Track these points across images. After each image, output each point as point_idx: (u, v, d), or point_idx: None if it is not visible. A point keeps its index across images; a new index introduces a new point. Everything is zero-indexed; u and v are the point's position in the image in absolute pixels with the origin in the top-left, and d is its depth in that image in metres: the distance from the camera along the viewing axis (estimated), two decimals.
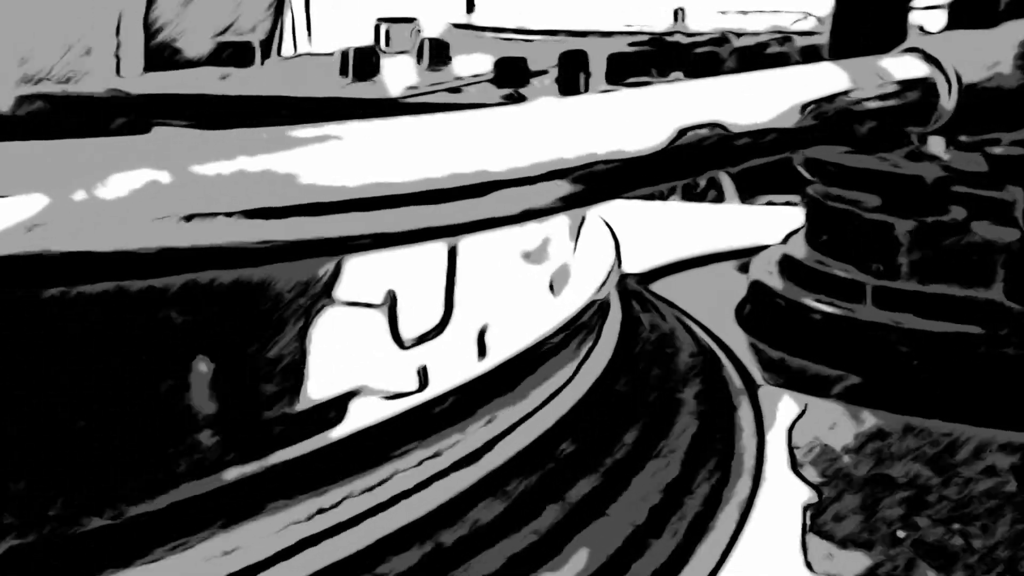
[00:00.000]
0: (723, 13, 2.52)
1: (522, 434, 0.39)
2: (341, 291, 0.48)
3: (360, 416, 0.34)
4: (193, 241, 0.26)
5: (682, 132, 0.38)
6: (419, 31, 2.29)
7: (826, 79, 0.47)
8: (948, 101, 0.51)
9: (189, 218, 0.26)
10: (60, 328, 0.29)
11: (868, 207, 0.61)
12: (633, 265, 0.73)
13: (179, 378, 0.37)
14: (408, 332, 0.42)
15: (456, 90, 1.75)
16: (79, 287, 0.28)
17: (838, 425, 0.51)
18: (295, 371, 0.40)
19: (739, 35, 2.03)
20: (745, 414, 0.52)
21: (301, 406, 0.35)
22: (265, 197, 0.27)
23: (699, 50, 1.84)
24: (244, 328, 0.38)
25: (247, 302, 0.35)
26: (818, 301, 0.61)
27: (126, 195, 0.25)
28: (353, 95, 1.74)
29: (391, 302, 0.45)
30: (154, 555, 0.29)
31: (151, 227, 0.25)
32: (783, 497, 0.44)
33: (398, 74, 1.89)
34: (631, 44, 1.91)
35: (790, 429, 0.51)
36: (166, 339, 0.32)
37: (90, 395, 0.33)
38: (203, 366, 0.38)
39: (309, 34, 2.73)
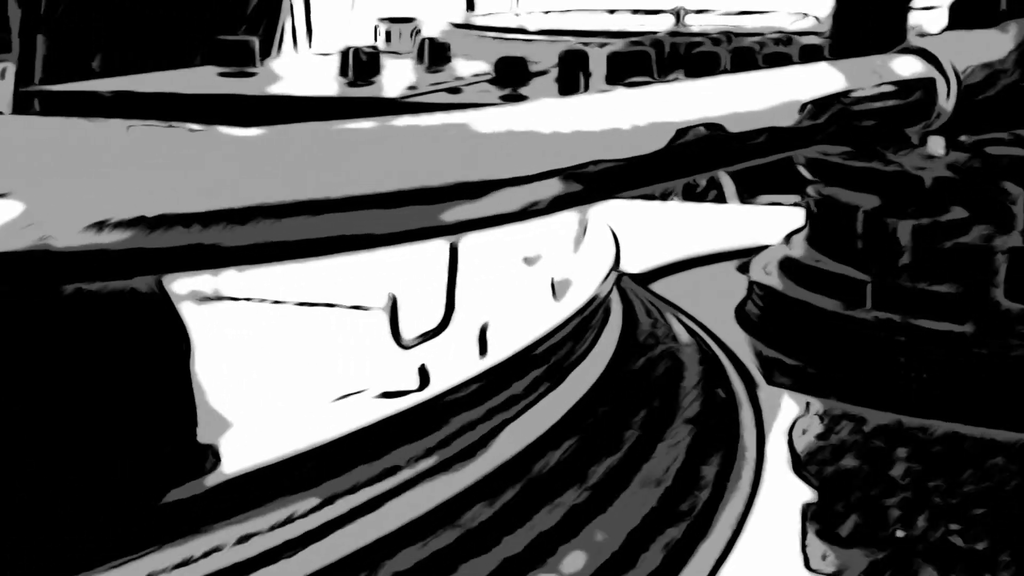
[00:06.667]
0: (723, 13, 2.52)
1: (520, 433, 0.39)
2: (342, 293, 0.48)
3: (360, 415, 0.34)
4: None
5: (681, 132, 0.38)
6: (419, 31, 2.29)
7: (826, 79, 0.47)
8: (948, 101, 0.51)
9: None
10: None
11: (868, 207, 0.61)
12: (633, 265, 0.73)
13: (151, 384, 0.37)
14: (408, 332, 0.42)
15: (456, 90, 1.75)
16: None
17: (838, 425, 0.51)
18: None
19: (739, 35, 2.04)
20: (745, 414, 0.52)
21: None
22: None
23: (699, 50, 1.84)
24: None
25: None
26: (818, 301, 0.61)
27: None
28: (353, 95, 1.74)
29: (392, 303, 0.45)
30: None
31: None
32: (783, 497, 0.44)
33: (398, 74, 1.89)
34: (631, 44, 1.91)
35: (790, 429, 0.51)
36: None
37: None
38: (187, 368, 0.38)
39: (309, 34, 2.73)
